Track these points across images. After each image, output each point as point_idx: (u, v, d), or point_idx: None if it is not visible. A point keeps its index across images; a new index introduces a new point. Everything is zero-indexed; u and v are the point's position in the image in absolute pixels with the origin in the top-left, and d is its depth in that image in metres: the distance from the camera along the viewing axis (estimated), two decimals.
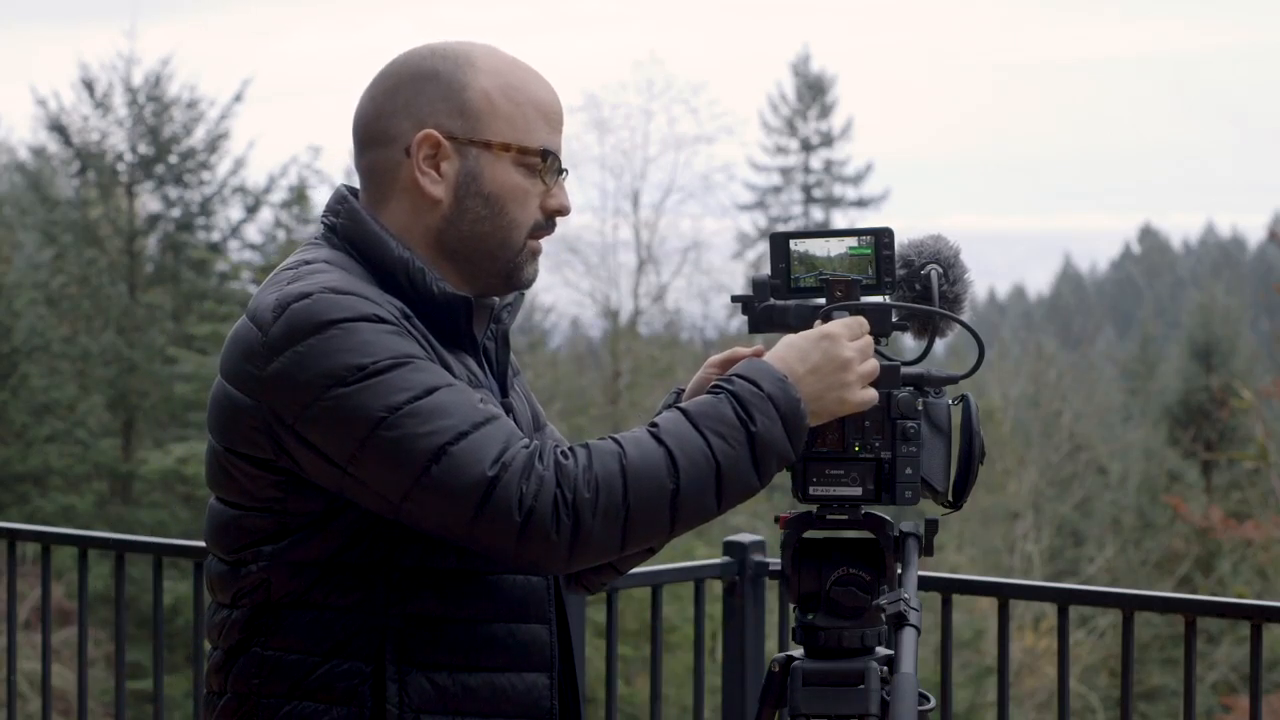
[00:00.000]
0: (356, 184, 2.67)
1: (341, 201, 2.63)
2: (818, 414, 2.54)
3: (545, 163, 2.59)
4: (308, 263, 2.56)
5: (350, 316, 2.43)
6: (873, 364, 2.58)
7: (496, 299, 2.70)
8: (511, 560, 2.45)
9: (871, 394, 2.57)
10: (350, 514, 2.48)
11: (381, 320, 2.45)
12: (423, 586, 2.50)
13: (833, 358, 2.54)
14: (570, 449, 2.45)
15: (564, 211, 2.62)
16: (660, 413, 2.70)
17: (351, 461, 2.42)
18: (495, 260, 2.60)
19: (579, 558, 2.43)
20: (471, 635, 2.52)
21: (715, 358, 2.72)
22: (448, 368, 2.51)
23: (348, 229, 2.59)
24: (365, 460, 2.41)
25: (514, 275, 2.62)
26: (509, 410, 2.66)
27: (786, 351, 2.55)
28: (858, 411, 2.58)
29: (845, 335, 2.56)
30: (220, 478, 2.56)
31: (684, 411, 2.48)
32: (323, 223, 2.64)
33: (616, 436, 2.47)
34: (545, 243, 2.76)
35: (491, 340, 2.70)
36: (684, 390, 2.77)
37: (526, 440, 2.44)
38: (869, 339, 2.58)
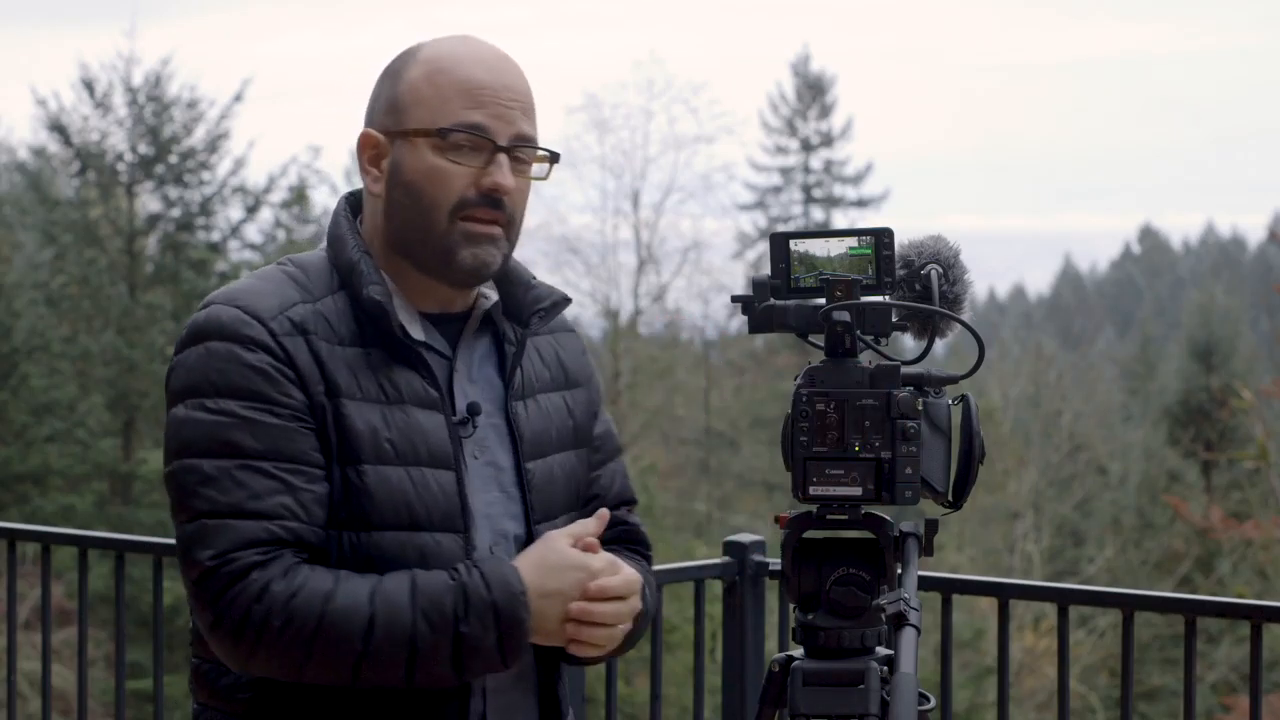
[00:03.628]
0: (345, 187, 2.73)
1: (338, 204, 2.72)
2: (541, 634, 2.56)
3: (445, 138, 2.58)
4: (281, 263, 2.66)
5: (219, 335, 2.53)
6: (600, 609, 2.56)
7: (488, 302, 2.70)
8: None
9: (557, 637, 2.57)
10: None
11: (251, 345, 2.52)
12: None
13: (577, 587, 2.55)
14: (296, 569, 2.49)
15: (497, 190, 2.59)
16: None
17: (164, 479, 2.57)
18: (426, 246, 2.61)
19: (256, 670, 2.52)
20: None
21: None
22: (334, 386, 2.54)
23: (328, 231, 2.68)
24: (166, 484, 2.56)
25: (449, 259, 2.60)
26: (475, 413, 2.64)
27: (539, 566, 2.56)
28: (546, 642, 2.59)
29: (603, 573, 2.57)
30: None
31: (414, 581, 2.50)
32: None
33: (344, 577, 2.50)
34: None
35: (512, 344, 2.70)
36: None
37: (263, 551, 2.48)
38: (618, 605, 2.57)
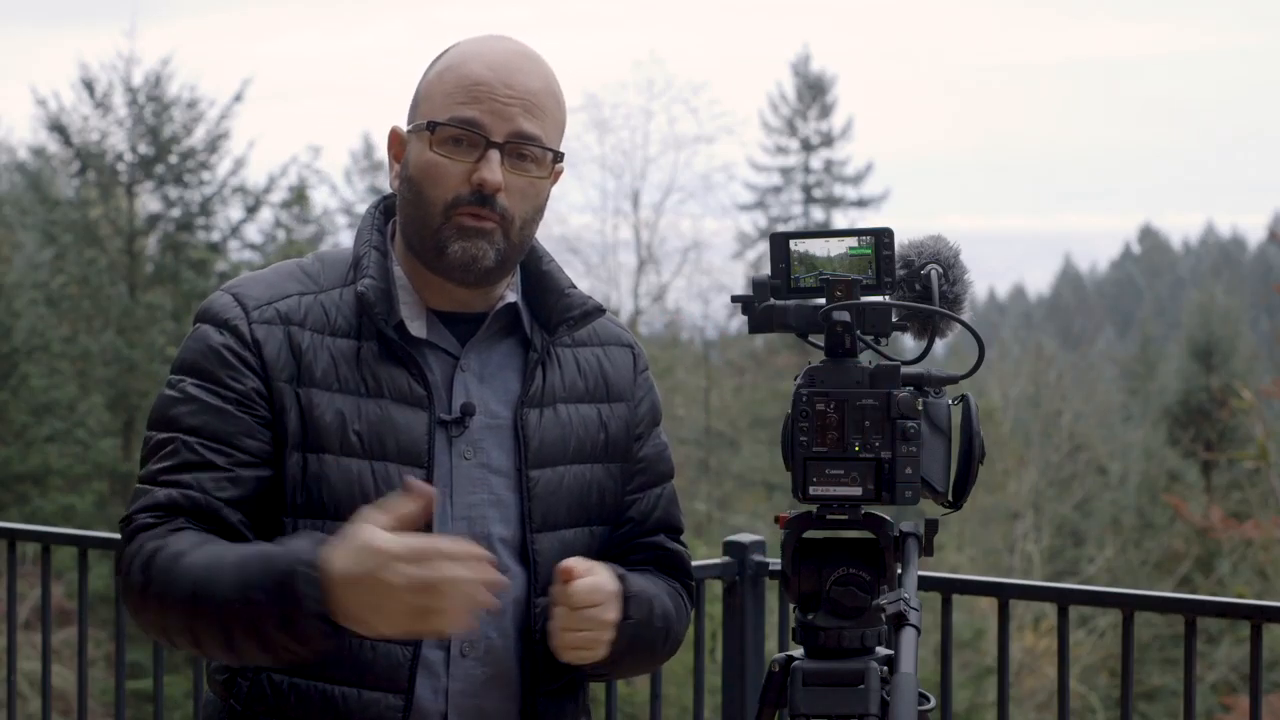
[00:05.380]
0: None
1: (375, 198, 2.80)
2: (359, 625, 2.39)
3: (433, 132, 2.60)
4: (303, 256, 2.74)
5: (206, 318, 2.63)
6: (436, 604, 2.36)
7: (502, 303, 2.70)
8: None
9: (434, 629, 2.38)
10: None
11: (226, 329, 2.59)
12: None
13: (377, 582, 2.35)
14: (175, 530, 2.52)
15: (485, 186, 2.60)
16: None
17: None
18: (423, 240, 2.64)
19: (139, 622, 2.58)
20: None
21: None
22: (310, 375, 2.57)
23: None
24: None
25: (442, 254, 2.62)
26: (469, 413, 2.63)
27: (344, 547, 2.38)
28: (387, 636, 2.44)
29: (400, 557, 2.35)
30: None
31: (253, 548, 2.46)
32: None
33: (205, 540, 2.49)
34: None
35: (535, 351, 2.70)
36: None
37: (157, 515, 2.54)
38: (443, 575, 2.35)
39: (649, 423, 2.83)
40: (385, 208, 2.75)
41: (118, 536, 4.37)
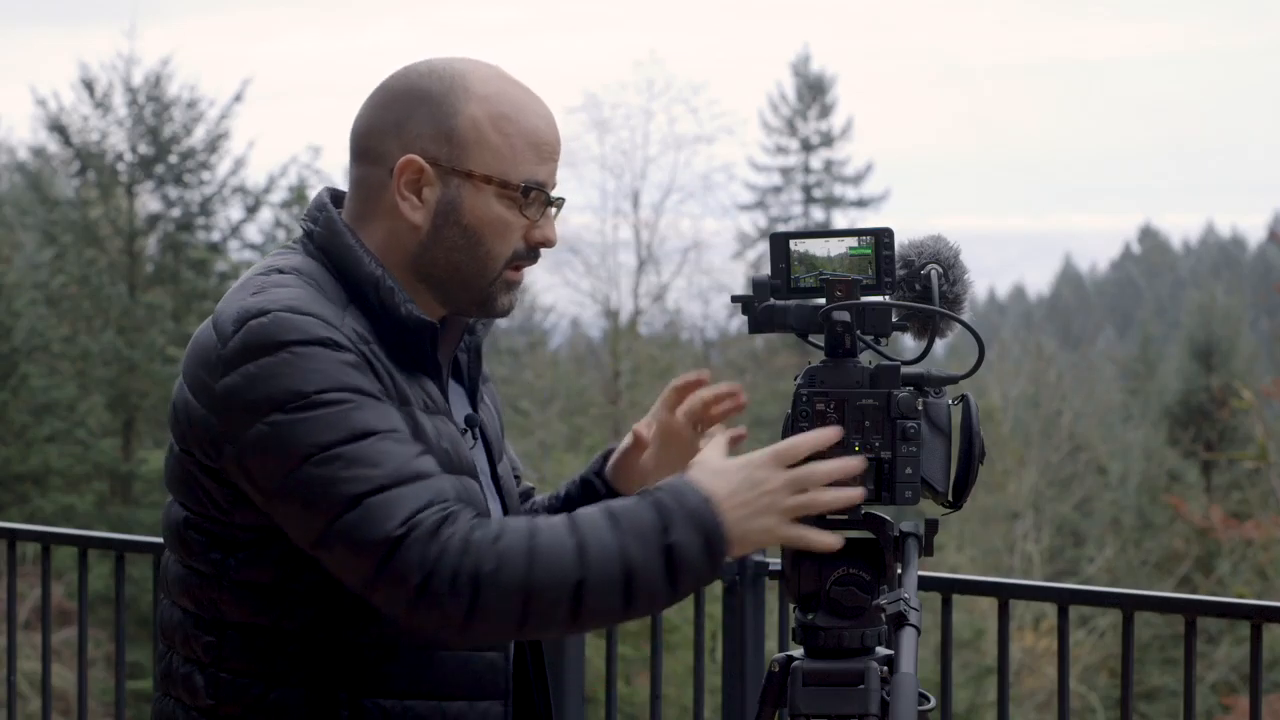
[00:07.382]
0: (345, 187, 2.66)
1: (321, 209, 2.60)
2: (743, 542, 2.46)
3: (527, 197, 2.55)
4: (280, 271, 2.54)
5: (304, 339, 2.42)
6: (813, 498, 2.47)
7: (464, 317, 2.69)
8: (404, 625, 2.43)
9: (811, 536, 2.48)
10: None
11: (336, 345, 2.43)
12: (371, 610, 2.46)
13: (756, 484, 2.46)
14: (483, 519, 2.41)
15: (547, 244, 2.59)
16: (591, 469, 2.79)
17: (277, 494, 2.41)
18: (469, 289, 2.58)
19: (475, 630, 2.39)
20: (421, 661, 2.51)
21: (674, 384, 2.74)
22: (404, 395, 2.49)
23: (323, 239, 2.57)
24: (287, 495, 2.40)
25: (488, 304, 2.59)
26: (474, 425, 2.65)
27: (708, 476, 2.47)
28: (801, 546, 2.50)
29: (774, 463, 2.48)
30: (178, 479, 2.55)
31: (607, 508, 2.43)
32: (301, 227, 2.62)
33: (535, 520, 2.42)
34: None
35: (464, 352, 2.69)
36: (613, 451, 2.80)
37: (445, 504, 2.39)
38: (818, 470, 2.48)
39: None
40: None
41: (117, 536, 4.31)
